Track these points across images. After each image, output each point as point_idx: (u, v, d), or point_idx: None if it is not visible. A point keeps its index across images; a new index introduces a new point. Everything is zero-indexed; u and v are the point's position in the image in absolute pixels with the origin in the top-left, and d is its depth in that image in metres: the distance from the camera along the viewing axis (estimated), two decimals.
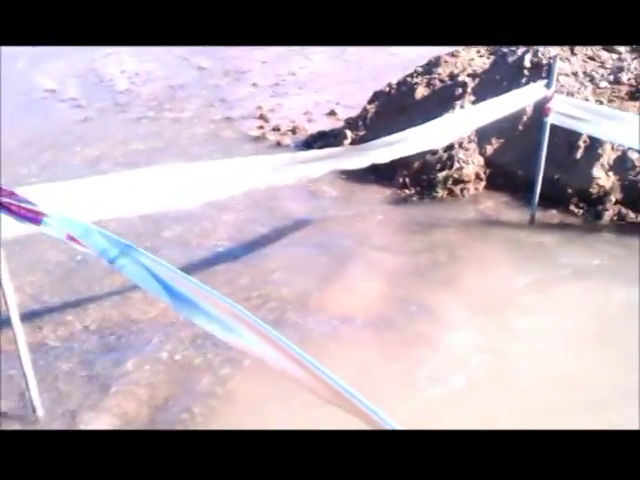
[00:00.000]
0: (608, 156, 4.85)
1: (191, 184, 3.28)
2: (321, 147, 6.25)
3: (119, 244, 2.21)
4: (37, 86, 9.94)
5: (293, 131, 6.97)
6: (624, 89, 5.26)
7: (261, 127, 7.28)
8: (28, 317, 3.63)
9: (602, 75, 5.42)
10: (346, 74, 9.89)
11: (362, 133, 5.94)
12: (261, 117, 7.64)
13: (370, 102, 6.35)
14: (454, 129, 4.21)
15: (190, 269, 4.25)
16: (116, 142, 7.05)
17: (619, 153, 4.85)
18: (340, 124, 6.86)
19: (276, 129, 7.11)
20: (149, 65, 11.31)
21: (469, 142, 5.30)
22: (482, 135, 5.25)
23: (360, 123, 6.11)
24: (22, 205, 2.57)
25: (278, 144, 6.68)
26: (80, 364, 3.30)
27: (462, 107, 5.43)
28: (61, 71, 11.12)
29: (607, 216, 4.67)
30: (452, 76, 5.94)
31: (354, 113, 6.82)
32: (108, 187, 3.06)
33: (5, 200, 2.62)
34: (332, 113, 7.63)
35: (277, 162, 3.52)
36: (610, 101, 5.15)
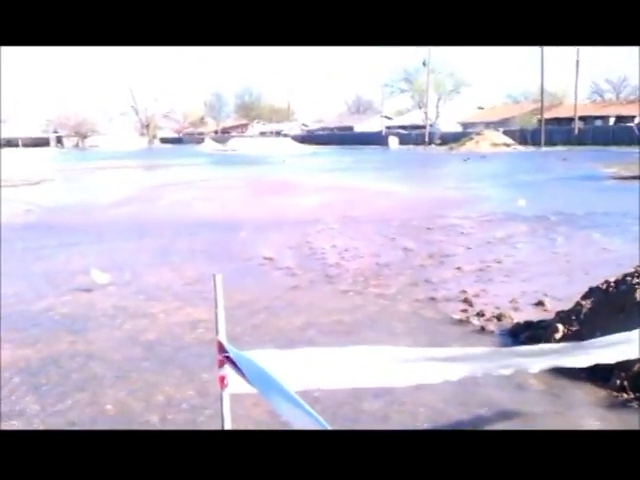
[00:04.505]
0: None
1: (396, 366, 3.31)
2: (529, 337, 6.08)
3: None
4: (257, 254, 10.88)
5: (498, 318, 6.84)
6: None
7: (465, 310, 7.24)
8: None
9: None
10: (554, 265, 9.69)
11: (575, 328, 5.68)
12: (465, 301, 7.64)
13: (585, 297, 6.11)
14: None
15: None
16: (323, 312, 7.37)
17: None
18: (548, 315, 6.64)
19: (480, 314, 7.03)
20: (357, 243, 11.97)
21: None
22: None
23: (573, 318, 5.86)
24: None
25: (482, 329, 6.58)
26: None
27: None
28: (279, 242, 12.13)
29: None
30: None
31: (563, 306, 6.58)
32: (317, 359, 3.22)
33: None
34: (540, 304, 7.41)
35: (494, 355, 3.49)
36: None
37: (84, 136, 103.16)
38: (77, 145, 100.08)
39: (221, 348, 3.07)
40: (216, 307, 3.10)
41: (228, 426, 3.18)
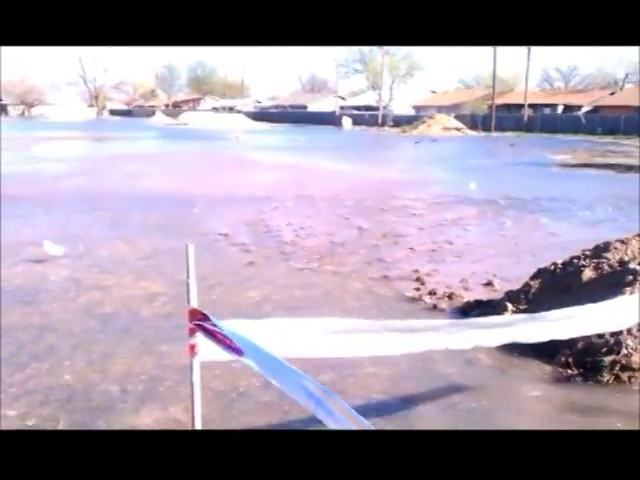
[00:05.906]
0: None
1: (359, 337, 3.40)
2: (478, 315, 6.26)
3: (318, 388, 2.26)
4: (212, 229, 10.88)
5: (449, 297, 7.04)
6: None
7: (417, 289, 7.42)
8: None
9: None
10: (503, 248, 9.98)
11: (523, 307, 5.91)
12: (418, 279, 7.82)
13: (533, 278, 6.35)
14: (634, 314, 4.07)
15: None
16: (278, 288, 7.46)
17: None
18: (497, 295, 6.86)
19: (432, 293, 7.21)
20: (312, 221, 12.06)
21: (639, 330, 5.10)
22: None
23: (522, 297, 6.10)
24: (226, 337, 2.80)
25: (434, 307, 6.76)
26: None
27: (632, 294, 5.28)
28: (234, 219, 12.13)
29: None
30: (622, 263, 5.86)
31: (511, 286, 6.81)
32: (280, 329, 3.27)
33: (211, 328, 2.88)
34: (489, 284, 7.65)
35: (451, 326, 3.60)
36: None
37: (30, 105, 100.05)
38: (23, 114, 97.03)
39: (193, 316, 3.09)
40: (188, 277, 3.13)
41: (197, 393, 3.22)
